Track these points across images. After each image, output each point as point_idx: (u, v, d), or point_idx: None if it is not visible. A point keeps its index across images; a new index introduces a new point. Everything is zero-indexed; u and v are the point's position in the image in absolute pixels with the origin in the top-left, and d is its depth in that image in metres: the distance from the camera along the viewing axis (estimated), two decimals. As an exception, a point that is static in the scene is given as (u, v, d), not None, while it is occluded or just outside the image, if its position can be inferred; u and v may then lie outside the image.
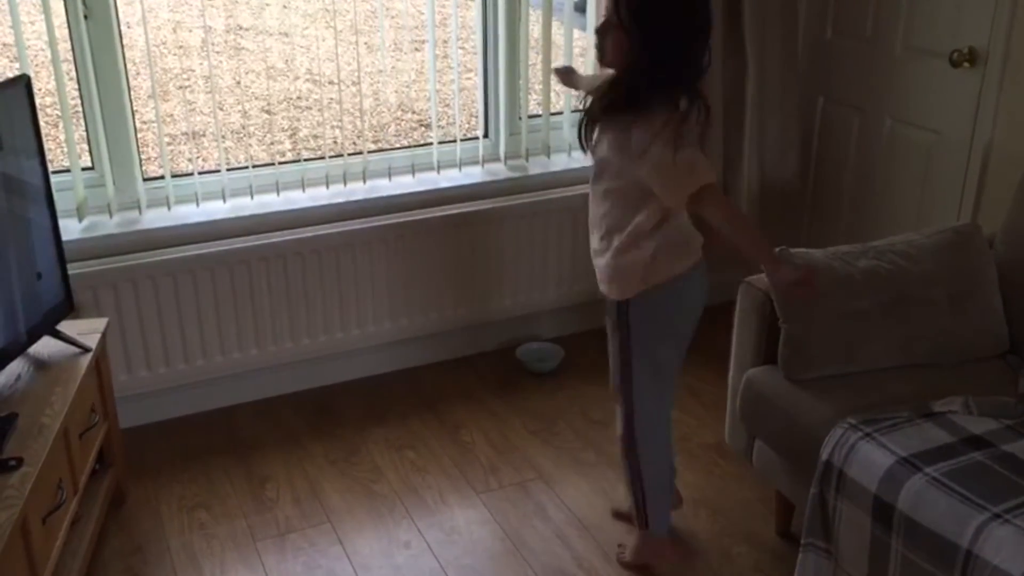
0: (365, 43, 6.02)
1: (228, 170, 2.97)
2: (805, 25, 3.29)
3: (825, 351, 2.27)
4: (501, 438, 2.93)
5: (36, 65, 5.20)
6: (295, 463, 2.81)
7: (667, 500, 2.40)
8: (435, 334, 3.25)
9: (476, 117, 3.43)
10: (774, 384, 2.29)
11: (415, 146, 3.25)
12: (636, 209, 2.08)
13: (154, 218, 2.85)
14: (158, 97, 3.75)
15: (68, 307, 2.44)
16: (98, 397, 2.46)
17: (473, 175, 3.22)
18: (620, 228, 2.11)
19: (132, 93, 2.84)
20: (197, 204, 2.92)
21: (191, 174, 2.95)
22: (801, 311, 2.25)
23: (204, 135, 5.46)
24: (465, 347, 3.35)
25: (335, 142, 4.16)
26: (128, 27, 3.68)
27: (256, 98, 5.96)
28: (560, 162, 3.32)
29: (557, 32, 3.35)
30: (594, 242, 2.20)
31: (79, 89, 2.72)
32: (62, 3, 2.63)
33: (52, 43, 2.63)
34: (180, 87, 5.83)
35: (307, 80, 6.05)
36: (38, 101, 2.34)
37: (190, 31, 6.40)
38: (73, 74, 2.74)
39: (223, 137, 5.11)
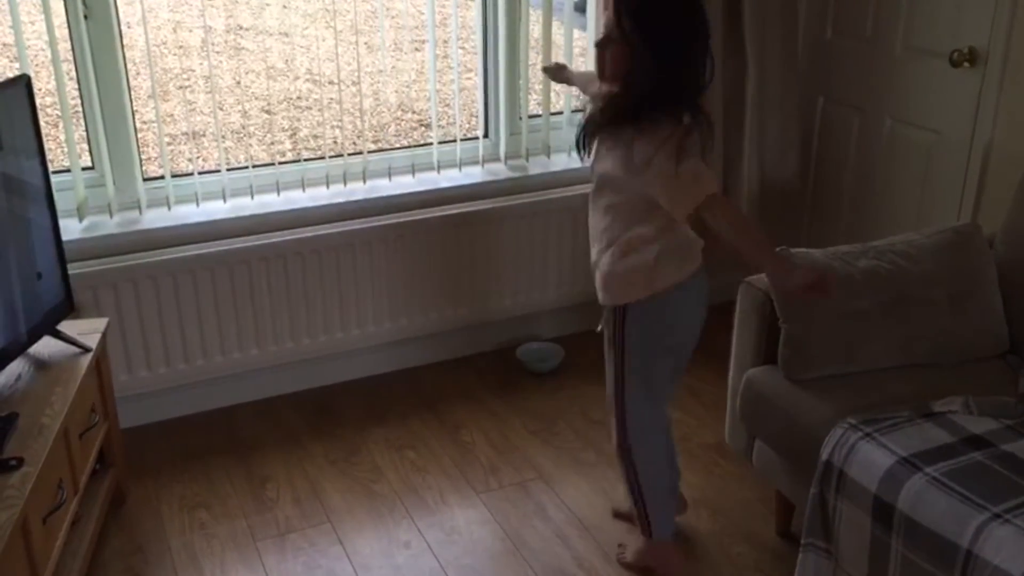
0: (365, 43, 6.02)
1: (228, 170, 2.97)
2: (805, 25, 3.28)
3: (825, 351, 2.27)
4: (501, 438, 2.93)
5: (36, 65, 5.19)
6: (295, 463, 2.82)
7: (669, 505, 2.38)
8: (435, 334, 3.25)
9: (476, 117, 3.43)
10: (774, 384, 2.29)
11: (415, 146, 3.25)
12: (640, 222, 2.07)
13: (154, 218, 2.85)
14: (158, 97, 3.74)
15: (68, 307, 2.44)
16: (98, 397, 2.46)
17: (473, 175, 3.22)
18: (622, 240, 2.11)
19: (132, 93, 2.84)
20: (197, 204, 2.92)
21: (191, 174, 2.95)
22: (801, 311, 2.25)
23: (204, 135, 5.46)
24: (465, 347, 3.35)
25: (335, 142, 4.15)
26: (128, 27, 3.68)
27: (256, 98, 5.95)
28: (560, 162, 3.32)
29: (557, 32, 3.35)
30: (594, 254, 2.20)
31: (79, 89, 2.72)
32: (62, 3, 2.63)
33: (52, 43, 2.63)
34: (180, 87, 5.83)
35: (307, 80, 6.04)
36: (38, 101, 2.34)
37: (190, 31, 6.39)
38: (73, 74, 2.74)
39: (223, 137, 5.10)
